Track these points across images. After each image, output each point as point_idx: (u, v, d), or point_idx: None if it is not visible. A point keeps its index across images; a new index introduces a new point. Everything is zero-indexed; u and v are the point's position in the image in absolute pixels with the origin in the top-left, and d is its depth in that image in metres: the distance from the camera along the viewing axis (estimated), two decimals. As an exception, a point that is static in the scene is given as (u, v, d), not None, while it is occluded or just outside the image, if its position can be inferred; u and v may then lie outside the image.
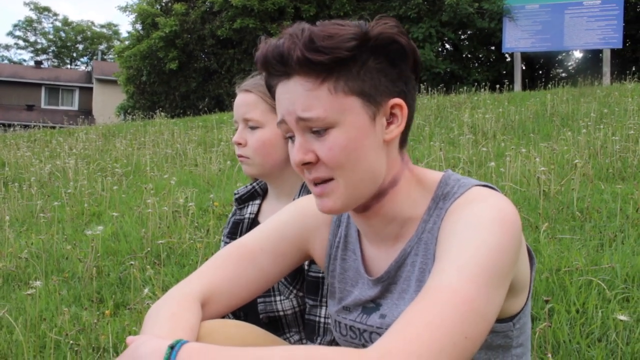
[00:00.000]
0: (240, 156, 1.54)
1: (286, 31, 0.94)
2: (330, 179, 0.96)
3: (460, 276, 0.84)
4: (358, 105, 0.94)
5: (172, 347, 0.83)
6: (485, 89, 12.01)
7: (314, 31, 0.91)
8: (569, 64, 20.42)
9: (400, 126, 0.98)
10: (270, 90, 1.01)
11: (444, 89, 12.93)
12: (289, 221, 1.15)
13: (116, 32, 44.04)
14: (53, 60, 44.04)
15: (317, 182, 0.97)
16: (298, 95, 0.93)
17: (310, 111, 0.92)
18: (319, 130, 0.94)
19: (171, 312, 1.00)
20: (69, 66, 43.87)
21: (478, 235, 0.88)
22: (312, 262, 1.33)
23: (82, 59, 45.16)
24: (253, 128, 1.51)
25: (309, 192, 1.41)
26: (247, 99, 1.52)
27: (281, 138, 1.48)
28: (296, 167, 0.97)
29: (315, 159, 0.95)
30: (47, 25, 46.42)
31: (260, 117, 1.50)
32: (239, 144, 1.53)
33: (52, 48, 43.94)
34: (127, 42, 21.06)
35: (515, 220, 0.92)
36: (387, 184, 1.00)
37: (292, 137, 0.97)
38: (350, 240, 1.12)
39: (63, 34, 43.66)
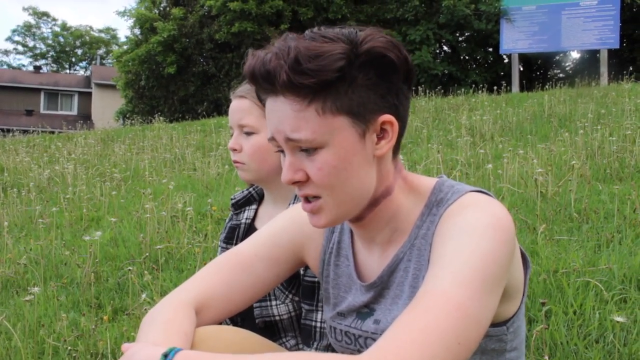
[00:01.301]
0: (235, 162, 1.55)
1: (274, 46, 0.92)
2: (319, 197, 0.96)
3: (454, 282, 0.85)
4: (347, 124, 0.92)
5: (165, 356, 0.83)
6: (482, 91, 12.02)
7: (301, 50, 0.88)
8: (567, 64, 20.45)
9: (391, 142, 0.96)
10: (261, 101, 1.01)
11: (442, 91, 12.96)
12: (284, 228, 1.15)
13: (114, 37, 44.15)
14: (52, 65, 44.12)
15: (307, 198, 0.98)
16: (286, 115, 0.92)
17: (299, 132, 0.91)
18: (309, 150, 0.93)
19: (167, 318, 1.00)
20: (67, 71, 43.93)
21: (472, 241, 0.89)
22: (307, 267, 1.34)
23: (80, 64, 45.27)
24: (248, 134, 1.52)
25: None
26: (241, 105, 1.52)
27: None
28: (286, 184, 0.96)
29: (305, 177, 0.95)
30: (45, 30, 46.62)
31: (255, 122, 1.50)
32: (235, 149, 1.53)
33: (51, 53, 44.00)
34: (125, 47, 21.10)
35: (509, 225, 0.92)
36: (380, 194, 1.00)
37: (282, 152, 0.97)
38: (343, 246, 1.13)
39: (62, 39, 43.72)
